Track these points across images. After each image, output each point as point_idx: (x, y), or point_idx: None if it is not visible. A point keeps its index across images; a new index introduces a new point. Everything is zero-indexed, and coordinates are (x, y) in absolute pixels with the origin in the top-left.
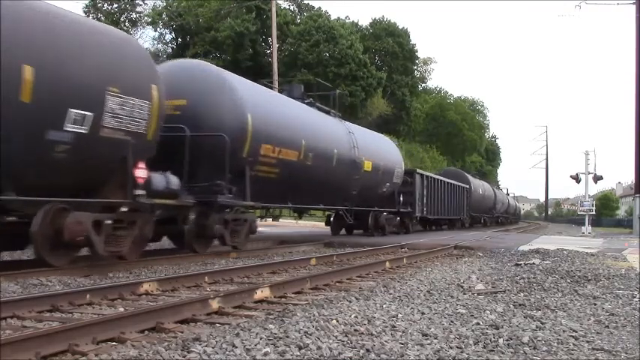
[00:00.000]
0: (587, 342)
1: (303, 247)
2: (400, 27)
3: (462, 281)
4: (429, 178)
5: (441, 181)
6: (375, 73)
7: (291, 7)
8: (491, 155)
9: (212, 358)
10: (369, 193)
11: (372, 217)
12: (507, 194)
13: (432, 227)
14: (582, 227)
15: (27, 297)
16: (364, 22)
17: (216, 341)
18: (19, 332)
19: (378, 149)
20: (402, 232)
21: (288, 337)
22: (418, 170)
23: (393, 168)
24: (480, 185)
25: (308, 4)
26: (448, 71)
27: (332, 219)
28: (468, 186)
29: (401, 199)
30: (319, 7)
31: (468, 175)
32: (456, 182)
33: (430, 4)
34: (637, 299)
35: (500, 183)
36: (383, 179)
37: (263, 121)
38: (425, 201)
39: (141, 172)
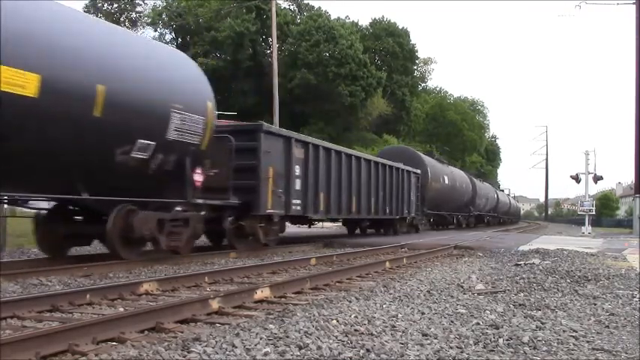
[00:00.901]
0: (588, 342)
1: (303, 247)
2: (400, 27)
3: (462, 281)
4: (310, 146)
5: (350, 156)
6: (375, 73)
7: (291, 7)
8: (491, 155)
9: (212, 358)
10: (66, 160)
11: (115, 217)
12: (499, 189)
13: (366, 231)
14: (582, 227)
15: (27, 297)
16: (364, 22)
17: (216, 341)
18: (19, 332)
19: (93, 54)
20: (242, 244)
21: (288, 337)
22: (274, 128)
23: (166, 108)
24: (446, 172)
25: (308, 4)
26: (448, 71)
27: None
28: (418, 171)
29: (198, 178)
30: (319, 7)
31: (423, 156)
32: (400, 166)
33: (430, 4)
34: (637, 299)
35: (500, 183)
36: (122, 130)
37: None
38: (300, 188)
39: None
